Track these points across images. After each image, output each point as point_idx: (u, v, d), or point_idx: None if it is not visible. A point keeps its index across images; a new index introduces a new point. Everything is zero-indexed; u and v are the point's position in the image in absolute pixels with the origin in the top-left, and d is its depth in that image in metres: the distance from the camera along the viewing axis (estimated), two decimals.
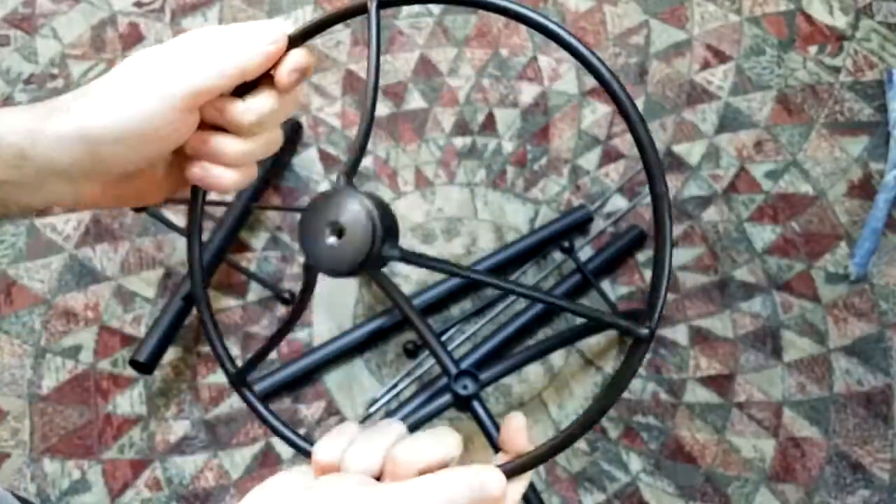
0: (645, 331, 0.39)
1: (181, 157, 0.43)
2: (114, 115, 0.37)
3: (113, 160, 0.39)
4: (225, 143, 0.41)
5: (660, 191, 0.37)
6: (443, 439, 0.39)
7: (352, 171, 0.39)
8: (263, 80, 0.41)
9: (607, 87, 0.38)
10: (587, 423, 0.38)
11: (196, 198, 0.47)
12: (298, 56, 0.41)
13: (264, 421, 0.46)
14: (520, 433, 0.41)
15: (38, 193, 0.40)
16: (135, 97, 0.37)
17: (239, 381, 0.47)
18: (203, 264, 0.47)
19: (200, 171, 0.42)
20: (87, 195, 0.41)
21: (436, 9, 1.27)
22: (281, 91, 0.41)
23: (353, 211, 0.35)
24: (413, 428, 0.92)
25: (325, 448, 0.37)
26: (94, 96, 0.38)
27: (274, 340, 0.48)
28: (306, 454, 0.41)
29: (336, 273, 0.36)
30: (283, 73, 0.40)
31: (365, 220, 0.35)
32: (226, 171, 0.42)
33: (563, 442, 0.39)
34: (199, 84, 0.38)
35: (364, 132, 0.40)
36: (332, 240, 0.35)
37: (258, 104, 0.41)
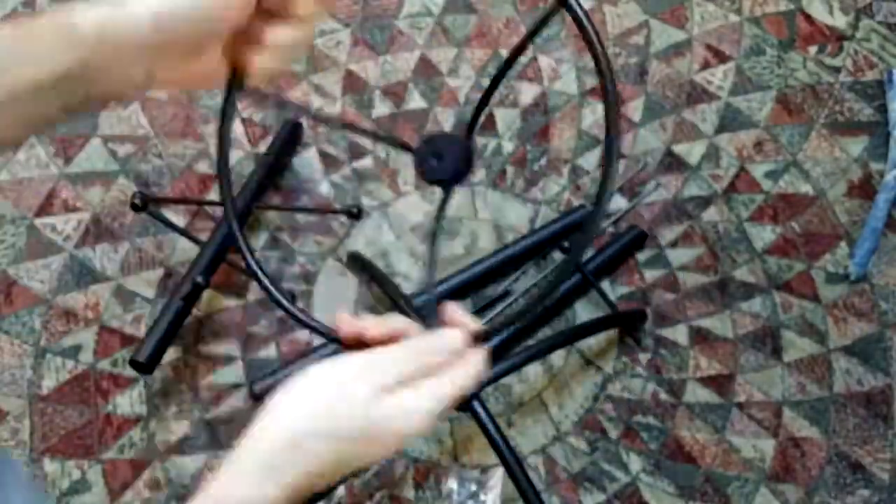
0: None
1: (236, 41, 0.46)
2: None
3: (179, 35, 0.43)
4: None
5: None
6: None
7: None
8: None
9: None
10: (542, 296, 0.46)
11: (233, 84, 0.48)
12: None
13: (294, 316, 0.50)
14: (461, 316, 0.46)
15: (113, 74, 0.43)
16: None
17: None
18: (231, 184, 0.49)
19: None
20: (156, 74, 0.45)
21: (436, 9, 1.27)
22: None
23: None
24: None
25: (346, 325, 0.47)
26: None
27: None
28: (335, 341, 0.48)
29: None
30: None
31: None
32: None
33: (523, 311, 0.47)
34: None
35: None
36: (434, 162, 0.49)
37: None
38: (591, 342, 1.10)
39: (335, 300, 1.12)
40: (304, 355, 1.07)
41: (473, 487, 1.01)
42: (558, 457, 1.05)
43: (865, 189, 1.16)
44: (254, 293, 1.12)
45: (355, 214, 1.13)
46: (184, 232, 1.10)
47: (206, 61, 0.47)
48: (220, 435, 1.06)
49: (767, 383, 1.08)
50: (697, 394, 1.08)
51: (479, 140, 1.21)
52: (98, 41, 0.42)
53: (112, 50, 0.43)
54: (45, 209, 1.15)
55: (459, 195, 1.18)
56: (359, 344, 0.46)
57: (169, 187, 1.16)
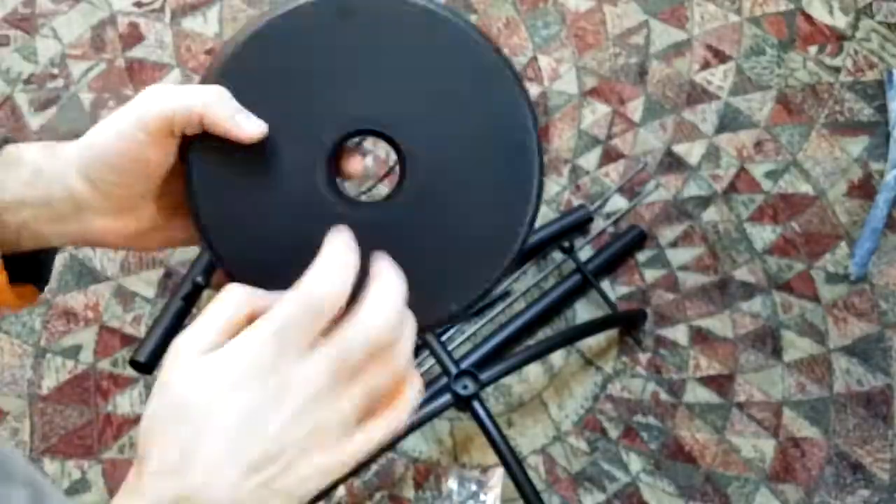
0: None
1: (178, 207, 0.44)
2: (99, 138, 0.42)
3: (103, 183, 0.42)
4: None
5: None
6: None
7: None
8: None
9: None
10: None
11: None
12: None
13: None
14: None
15: (49, 222, 0.43)
16: (114, 122, 0.41)
17: None
18: None
19: None
20: (92, 228, 0.44)
21: None
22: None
23: None
24: (411, 429, 0.92)
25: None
26: (94, 126, 0.42)
27: None
28: None
29: None
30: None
31: None
32: None
33: None
34: (166, 109, 0.40)
35: None
36: None
37: None
38: (591, 342, 1.10)
39: None
40: None
41: (473, 487, 1.01)
42: (558, 457, 1.05)
43: (865, 189, 1.16)
44: None
45: None
46: None
47: (139, 219, 0.44)
48: None
49: (767, 383, 1.08)
50: (697, 394, 1.08)
51: None
52: (33, 177, 0.42)
53: (45, 194, 0.42)
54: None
55: None
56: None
57: None
